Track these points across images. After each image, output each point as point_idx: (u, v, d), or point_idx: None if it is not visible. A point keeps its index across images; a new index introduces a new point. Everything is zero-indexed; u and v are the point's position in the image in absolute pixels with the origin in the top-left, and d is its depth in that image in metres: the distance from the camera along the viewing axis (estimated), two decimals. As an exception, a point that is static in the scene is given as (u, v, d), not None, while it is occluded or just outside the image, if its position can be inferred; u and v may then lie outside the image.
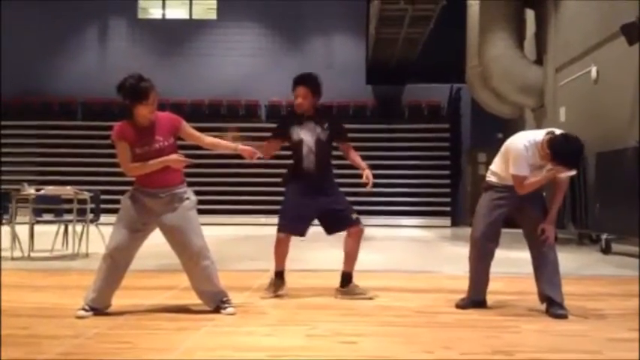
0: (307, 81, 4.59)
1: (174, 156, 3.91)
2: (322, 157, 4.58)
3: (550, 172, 3.90)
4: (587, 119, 10.79)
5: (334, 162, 4.79)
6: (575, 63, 11.40)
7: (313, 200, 4.50)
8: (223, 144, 4.19)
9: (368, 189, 4.55)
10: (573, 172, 4.00)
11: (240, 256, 8.28)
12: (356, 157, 4.76)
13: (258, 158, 4.32)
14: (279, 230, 4.54)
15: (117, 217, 3.92)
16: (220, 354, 3.01)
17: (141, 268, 5.53)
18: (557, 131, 3.93)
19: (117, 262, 3.86)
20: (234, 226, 15.05)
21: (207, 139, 4.13)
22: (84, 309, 3.79)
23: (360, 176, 4.62)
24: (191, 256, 3.93)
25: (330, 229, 4.62)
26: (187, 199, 3.98)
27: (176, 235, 3.91)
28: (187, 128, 4.04)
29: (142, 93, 3.84)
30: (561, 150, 3.76)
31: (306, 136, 4.56)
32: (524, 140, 3.97)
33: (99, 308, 3.83)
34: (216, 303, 3.97)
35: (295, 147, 4.59)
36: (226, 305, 3.96)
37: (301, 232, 4.59)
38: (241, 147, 4.14)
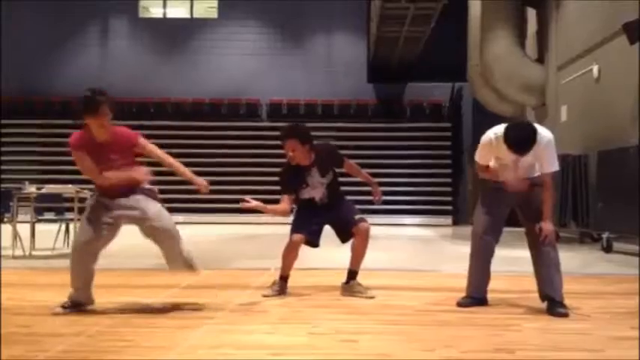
0: (292, 133, 4.51)
1: (141, 170, 3.88)
2: (334, 191, 4.67)
3: (509, 159, 3.90)
4: (589, 118, 10.78)
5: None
6: (577, 61, 11.39)
7: (323, 213, 4.62)
8: (182, 170, 4.09)
9: (377, 203, 4.70)
10: (552, 169, 3.93)
11: (241, 254, 8.29)
12: (362, 173, 4.85)
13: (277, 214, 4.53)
14: (293, 232, 4.55)
15: (84, 212, 3.96)
16: (221, 352, 3.01)
17: (140, 266, 5.54)
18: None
19: (86, 257, 3.88)
20: (234, 224, 15.06)
21: (170, 159, 4.05)
22: (62, 306, 3.83)
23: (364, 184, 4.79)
24: (147, 219, 3.88)
25: (341, 236, 4.67)
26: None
27: (133, 211, 3.89)
28: (146, 145, 3.97)
29: (92, 106, 3.74)
30: (508, 133, 3.82)
31: (315, 191, 4.60)
32: (492, 132, 4.02)
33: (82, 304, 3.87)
34: (182, 263, 3.96)
35: (308, 201, 4.63)
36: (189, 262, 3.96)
37: (315, 241, 4.61)
38: (196, 179, 4.10)
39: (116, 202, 3.90)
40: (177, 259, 3.99)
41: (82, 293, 3.89)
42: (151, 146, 4.01)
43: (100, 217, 3.88)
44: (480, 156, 4.11)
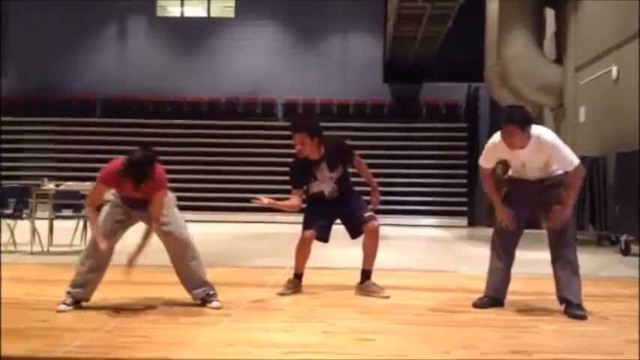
0: (301, 126, 4.46)
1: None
2: (344, 186, 4.64)
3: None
4: (608, 119, 10.67)
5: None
6: (596, 62, 11.28)
7: (333, 208, 4.61)
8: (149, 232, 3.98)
9: (372, 208, 4.64)
10: (573, 166, 3.85)
11: (256, 252, 8.31)
12: (368, 174, 4.80)
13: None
14: (304, 228, 4.56)
15: (102, 212, 3.98)
16: (237, 349, 3.02)
17: (157, 263, 5.57)
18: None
19: (104, 256, 3.90)
20: (249, 223, 15.10)
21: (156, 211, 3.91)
22: (65, 303, 3.84)
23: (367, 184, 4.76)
24: (176, 248, 3.98)
25: (351, 232, 4.67)
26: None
27: (159, 228, 3.96)
28: (159, 198, 3.86)
29: (141, 174, 3.64)
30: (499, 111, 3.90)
31: (324, 185, 4.59)
32: (496, 136, 4.02)
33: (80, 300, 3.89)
34: (202, 296, 4.00)
35: (318, 195, 4.62)
36: (212, 299, 3.99)
37: (324, 236, 4.62)
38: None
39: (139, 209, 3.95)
40: (192, 289, 4.01)
41: (88, 291, 3.91)
42: (160, 202, 3.89)
43: (117, 216, 3.93)
44: (484, 158, 4.10)
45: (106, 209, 4.00)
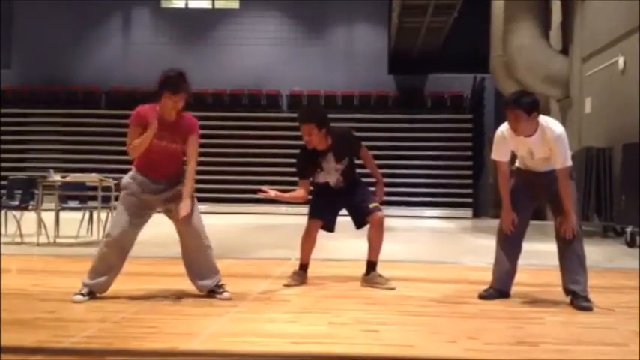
0: (309, 117, 4.46)
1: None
2: (350, 177, 4.65)
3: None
4: (614, 110, 10.63)
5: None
6: (602, 53, 11.22)
7: (339, 198, 4.63)
8: (188, 181, 3.94)
9: (377, 200, 4.64)
10: (565, 165, 3.85)
11: (262, 244, 8.33)
12: (374, 167, 4.78)
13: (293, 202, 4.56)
14: (310, 218, 4.59)
15: (119, 202, 3.97)
16: (244, 339, 3.03)
17: (164, 255, 5.60)
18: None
19: (124, 248, 3.91)
20: (254, 214, 15.13)
21: (191, 165, 3.95)
22: (81, 294, 3.84)
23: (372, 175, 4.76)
24: (192, 238, 3.98)
25: (357, 223, 4.68)
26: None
27: (177, 217, 3.95)
28: (194, 141, 3.98)
29: (174, 83, 3.86)
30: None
31: (330, 176, 4.59)
32: (502, 127, 4.02)
33: (96, 292, 3.89)
34: (212, 286, 4.01)
35: (323, 185, 4.63)
36: (222, 290, 4.01)
37: (330, 226, 4.64)
38: (185, 200, 3.88)
39: (158, 189, 3.93)
40: (201, 281, 4.01)
41: (104, 283, 3.91)
42: (194, 144, 3.98)
43: (136, 206, 3.91)
44: (496, 151, 4.07)
45: (121, 200, 3.97)
